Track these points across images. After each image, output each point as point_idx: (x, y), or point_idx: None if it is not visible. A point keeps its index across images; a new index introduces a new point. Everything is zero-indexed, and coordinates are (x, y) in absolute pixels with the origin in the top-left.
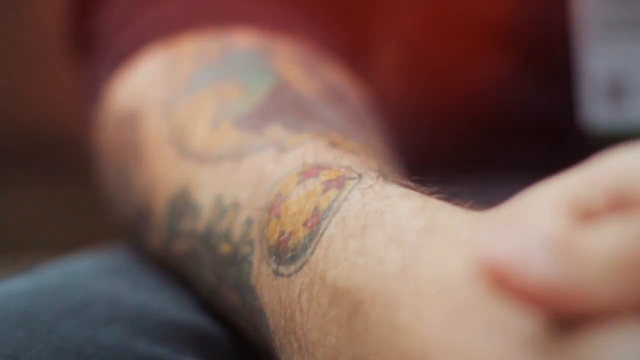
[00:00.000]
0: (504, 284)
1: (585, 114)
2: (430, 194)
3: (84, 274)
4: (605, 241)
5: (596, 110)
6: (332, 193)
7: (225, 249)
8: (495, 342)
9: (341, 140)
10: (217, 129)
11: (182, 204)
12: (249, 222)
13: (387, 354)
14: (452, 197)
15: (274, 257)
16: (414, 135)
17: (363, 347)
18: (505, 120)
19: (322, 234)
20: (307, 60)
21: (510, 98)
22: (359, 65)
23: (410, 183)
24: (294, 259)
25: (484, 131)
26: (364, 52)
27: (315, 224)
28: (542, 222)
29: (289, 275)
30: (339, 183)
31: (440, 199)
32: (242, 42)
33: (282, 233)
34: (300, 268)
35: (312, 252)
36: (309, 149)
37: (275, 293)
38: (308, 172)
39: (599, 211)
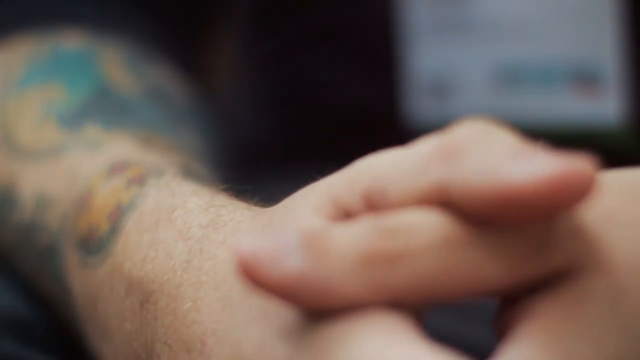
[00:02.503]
0: (253, 279)
1: (409, 110)
2: (221, 190)
3: None
4: (350, 237)
5: (420, 107)
6: (133, 189)
7: (44, 241)
8: (258, 330)
9: (153, 139)
10: (41, 127)
11: (8, 198)
12: (64, 216)
13: (172, 342)
14: (242, 193)
15: (82, 249)
16: (247, 128)
17: (153, 334)
18: (334, 115)
19: (122, 228)
20: (132, 60)
21: (337, 94)
22: (194, 62)
23: (209, 181)
24: (98, 251)
25: (313, 125)
26: (200, 48)
27: (117, 218)
28: (301, 220)
29: (94, 266)
30: (140, 180)
31: (230, 195)
32: (71, 43)
33: (89, 226)
34: (104, 259)
35: (113, 245)
36: (119, 148)
37: (83, 282)
38: (115, 169)
39: (358, 211)
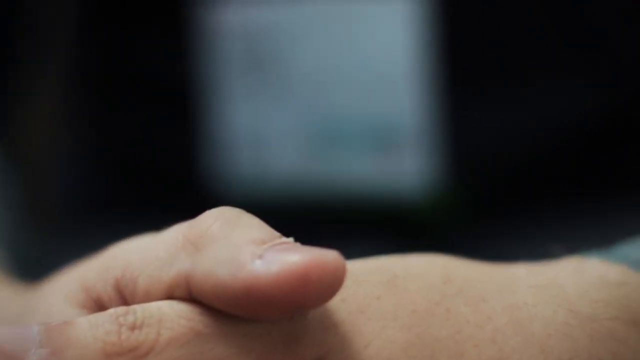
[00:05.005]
0: None
1: (219, 170)
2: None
3: None
4: (93, 331)
5: (232, 166)
6: None
7: None
8: None
9: None
10: None
11: None
12: None
13: None
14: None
15: None
16: (58, 187)
17: None
18: (144, 175)
19: None
20: None
21: (147, 153)
22: (6, 119)
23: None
24: None
25: (124, 185)
26: (14, 105)
27: None
28: (52, 309)
29: None
30: None
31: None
32: None
33: None
34: None
35: None
36: None
37: None
38: None
39: (110, 299)
